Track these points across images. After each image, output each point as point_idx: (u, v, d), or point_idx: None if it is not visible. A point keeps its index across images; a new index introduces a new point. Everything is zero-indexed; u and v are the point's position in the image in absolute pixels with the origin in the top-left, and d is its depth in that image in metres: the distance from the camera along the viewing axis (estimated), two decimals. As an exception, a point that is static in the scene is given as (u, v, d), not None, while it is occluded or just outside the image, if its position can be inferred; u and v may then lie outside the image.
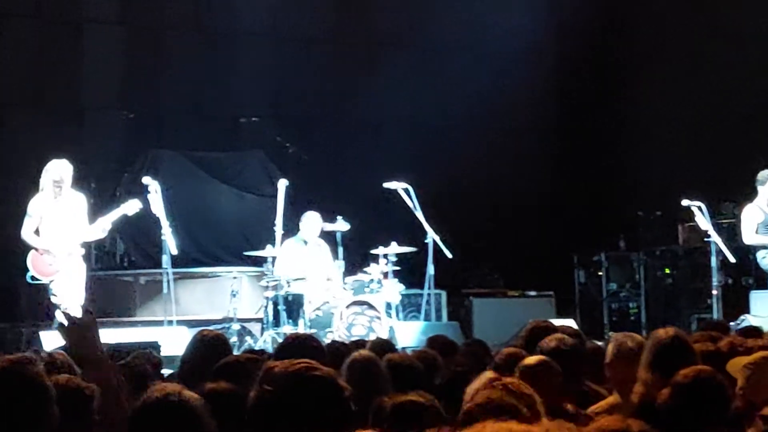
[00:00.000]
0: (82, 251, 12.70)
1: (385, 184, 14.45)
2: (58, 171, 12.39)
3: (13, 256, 13.50)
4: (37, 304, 13.76)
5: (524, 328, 7.82)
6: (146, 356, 7.42)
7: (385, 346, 7.70)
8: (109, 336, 11.75)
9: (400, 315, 14.60)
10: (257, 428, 3.48)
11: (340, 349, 7.20)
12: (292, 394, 3.50)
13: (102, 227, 12.76)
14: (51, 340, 10.97)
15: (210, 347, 6.74)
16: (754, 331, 8.75)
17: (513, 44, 18.92)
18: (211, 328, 13.57)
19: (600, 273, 17.78)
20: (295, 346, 6.32)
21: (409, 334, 13.58)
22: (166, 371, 8.23)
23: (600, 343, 9.08)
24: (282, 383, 3.51)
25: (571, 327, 8.96)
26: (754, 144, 15.42)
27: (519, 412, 4.27)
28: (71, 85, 17.70)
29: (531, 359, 5.92)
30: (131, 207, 12.93)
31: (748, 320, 12.83)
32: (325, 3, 18.71)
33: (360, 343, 8.18)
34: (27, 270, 12.44)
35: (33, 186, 12.74)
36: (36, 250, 12.40)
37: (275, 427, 3.46)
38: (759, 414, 4.80)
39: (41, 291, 12.75)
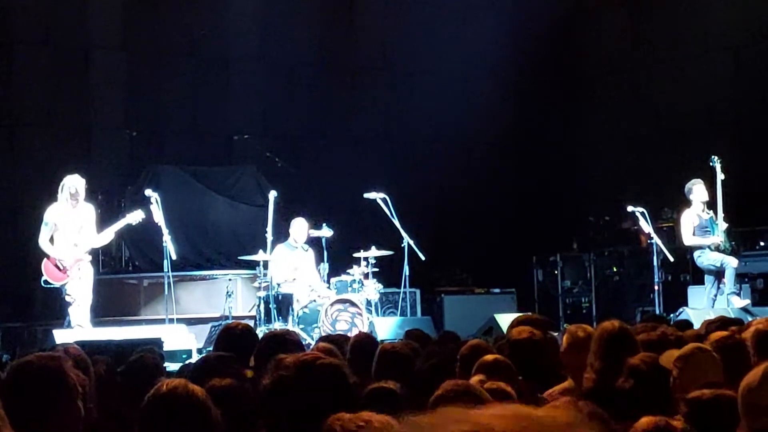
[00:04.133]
0: (90, 257, 12.78)
1: (365, 195, 14.49)
2: (74, 184, 12.45)
3: (28, 262, 13.54)
4: (50, 305, 13.79)
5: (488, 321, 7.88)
6: (150, 352, 7.44)
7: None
8: (115, 333, 11.90)
9: (379, 311, 14.63)
10: (270, 411, 3.45)
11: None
12: (302, 380, 3.48)
13: (108, 235, 12.83)
14: (64, 338, 11.05)
15: (239, 338, 6.66)
16: (686, 324, 8.93)
17: (475, 67, 19.05)
18: (208, 325, 13.89)
19: (556, 272, 17.87)
20: (275, 340, 6.48)
21: (387, 329, 13.57)
22: (171, 365, 8.28)
23: (556, 334, 9.23)
24: (293, 370, 3.49)
25: (542, 317, 9.04)
26: (689, 157, 15.56)
27: (482, 399, 4.23)
28: (79, 106, 17.49)
29: (489, 357, 5.89)
30: (135, 217, 12.97)
31: (687, 312, 12.99)
32: (310, 32, 18.66)
33: (344, 337, 8.22)
34: (41, 275, 12.49)
35: (46, 198, 12.78)
36: (49, 257, 12.44)
37: (287, 410, 3.43)
38: (682, 397, 4.84)
39: (54, 293, 12.81)
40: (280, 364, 3.58)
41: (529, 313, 8.82)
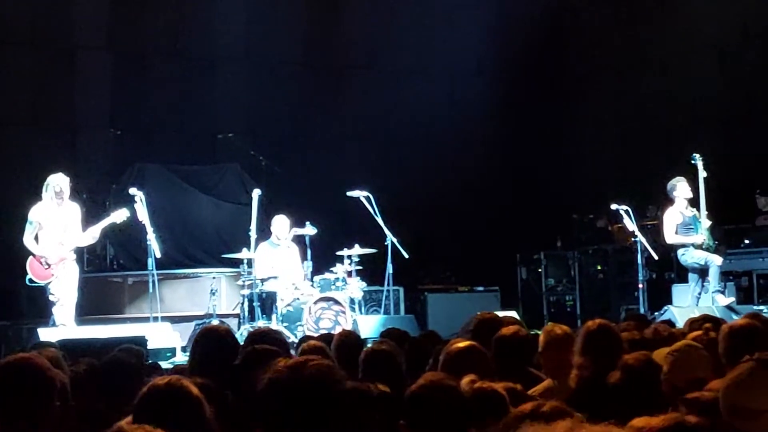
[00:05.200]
0: (75, 256, 12.69)
1: (349, 193, 14.42)
2: (59, 183, 12.42)
3: (13, 260, 13.43)
4: (36, 303, 13.71)
5: (472, 319, 7.82)
6: (132, 350, 7.36)
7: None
8: (100, 331, 11.81)
9: (363, 309, 14.61)
10: (267, 412, 3.46)
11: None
12: (295, 382, 3.47)
13: (93, 234, 12.77)
14: (48, 336, 10.97)
15: (216, 341, 6.63)
16: (668, 324, 8.89)
17: (461, 66, 19.06)
18: (192, 323, 13.80)
19: (540, 270, 17.85)
20: (261, 338, 6.40)
21: (371, 327, 13.53)
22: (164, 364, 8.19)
23: (539, 332, 9.16)
24: (287, 373, 3.48)
25: (513, 317, 8.99)
26: (674, 155, 15.52)
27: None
28: (64, 105, 17.51)
29: (459, 344, 5.86)
30: (119, 216, 12.94)
31: (671, 310, 12.95)
32: (295, 31, 18.66)
33: (327, 336, 8.16)
34: (26, 273, 12.42)
35: (31, 197, 12.70)
36: (34, 255, 12.39)
37: (282, 410, 3.44)
38: (681, 398, 4.80)
39: (39, 291, 12.72)
40: (275, 368, 3.57)
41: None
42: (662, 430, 3.31)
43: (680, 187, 13.77)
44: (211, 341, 6.08)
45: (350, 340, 7.25)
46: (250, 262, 14.00)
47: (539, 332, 7.78)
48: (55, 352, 6.10)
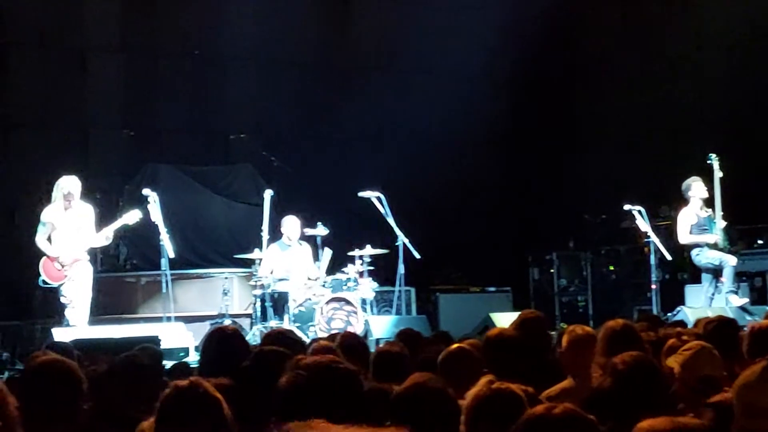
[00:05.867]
0: (88, 257, 12.74)
1: (360, 193, 14.41)
2: (68, 185, 12.42)
3: (27, 261, 13.49)
4: (49, 303, 13.76)
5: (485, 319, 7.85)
6: (148, 349, 7.38)
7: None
8: (114, 331, 11.86)
9: (374, 310, 14.60)
10: (287, 409, 3.44)
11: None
12: (321, 382, 3.49)
13: (106, 235, 12.77)
14: (62, 336, 11.02)
15: (225, 342, 6.64)
16: (681, 324, 8.94)
17: (470, 67, 19.02)
18: (205, 323, 13.85)
19: (552, 270, 17.85)
20: (276, 339, 6.42)
21: (383, 327, 13.57)
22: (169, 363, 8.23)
23: (552, 333, 9.17)
24: (313, 372, 3.50)
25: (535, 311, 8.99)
26: (685, 154, 15.51)
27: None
28: (76, 106, 17.48)
29: (453, 347, 5.93)
30: (132, 217, 12.97)
31: (684, 311, 12.94)
32: (306, 31, 18.65)
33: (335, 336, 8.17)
34: (39, 274, 12.46)
35: (45, 198, 12.75)
36: (47, 256, 12.43)
37: (302, 409, 3.42)
38: (707, 402, 4.79)
39: (53, 292, 12.77)
40: (298, 366, 3.57)
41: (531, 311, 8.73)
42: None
43: (695, 187, 13.75)
44: (219, 342, 6.13)
45: (354, 340, 7.28)
46: (262, 263, 14.04)
47: (552, 333, 7.81)
48: (72, 352, 6.14)
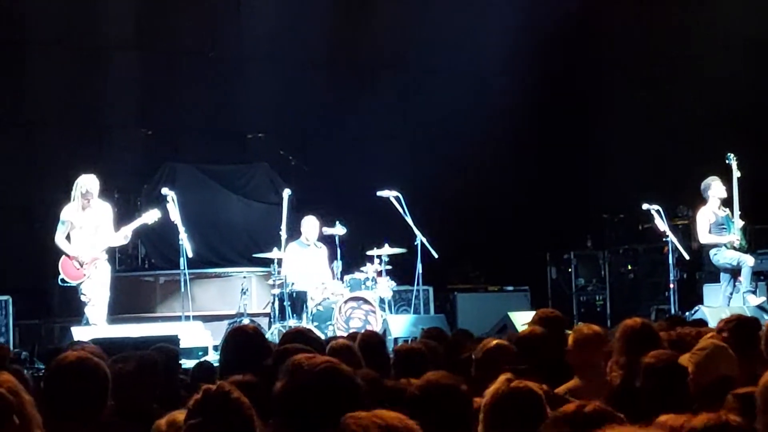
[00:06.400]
0: (106, 256, 12.79)
1: (378, 193, 14.42)
2: (86, 184, 12.45)
3: (45, 259, 13.56)
4: (68, 302, 13.82)
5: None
6: (165, 349, 7.41)
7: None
8: (133, 330, 11.92)
9: (393, 309, 14.60)
10: (283, 414, 3.46)
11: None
12: (318, 386, 3.49)
13: (124, 234, 12.81)
14: (81, 335, 11.07)
15: (245, 341, 6.65)
16: (700, 323, 8.94)
17: (490, 64, 19.02)
18: (223, 322, 13.91)
19: (570, 269, 17.83)
20: (295, 338, 6.46)
21: (401, 326, 13.58)
22: (188, 362, 8.26)
23: (570, 332, 9.18)
24: (309, 376, 3.50)
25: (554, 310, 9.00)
26: (704, 153, 15.48)
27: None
28: (94, 105, 17.53)
29: (489, 342, 5.93)
30: (151, 216, 13.02)
31: (702, 310, 12.93)
32: (323, 30, 18.65)
33: (354, 335, 8.20)
34: (59, 273, 12.52)
35: (63, 197, 12.79)
36: (66, 255, 12.48)
37: (299, 413, 3.44)
38: (733, 393, 4.77)
39: (72, 290, 12.82)
40: (295, 369, 3.59)
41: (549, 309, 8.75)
42: (704, 429, 3.33)
43: (715, 187, 13.73)
44: (240, 341, 6.16)
45: (373, 339, 7.31)
46: (280, 262, 14.05)
47: (569, 332, 7.81)
48: (96, 349, 6.17)
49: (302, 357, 3.66)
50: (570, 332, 6.95)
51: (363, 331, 10.14)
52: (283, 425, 3.44)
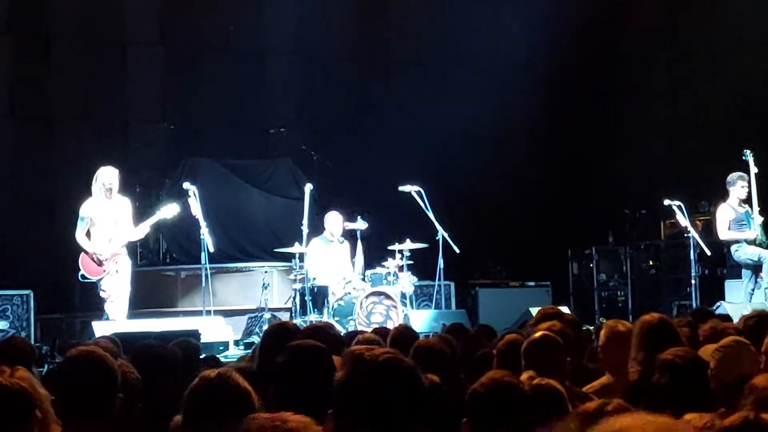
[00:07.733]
0: (126, 251, 12.76)
1: (400, 187, 14.45)
2: (107, 177, 12.40)
3: (66, 254, 13.61)
4: (89, 297, 13.87)
5: (536, 312, 7.83)
6: (186, 343, 7.43)
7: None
8: (154, 325, 11.95)
9: (414, 304, 14.62)
10: (342, 408, 3.38)
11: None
12: (381, 379, 3.39)
13: (144, 230, 12.79)
14: (102, 330, 11.11)
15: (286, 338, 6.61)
16: (724, 319, 8.90)
17: (510, 60, 19.03)
18: (244, 317, 13.93)
19: (591, 265, 17.80)
20: (314, 333, 6.45)
21: (422, 321, 13.59)
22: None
23: (591, 328, 9.18)
24: (372, 369, 3.41)
25: (571, 314, 8.98)
26: (726, 149, 15.44)
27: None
28: (117, 100, 17.63)
29: (536, 335, 5.83)
30: (170, 211, 12.97)
31: (724, 306, 12.90)
32: (345, 25, 18.69)
33: (382, 330, 8.17)
34: (79, 268, 12.55)
35: (84, 192, 12.83)
36: (86, 252, 12.47)
37: (360, 408, 3.36)
38: (751, 384, 4.75)
39: (93, 285, 12.87)
40: (356, 360, 3.56)
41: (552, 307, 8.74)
42: (734, 428, 3.33)
43: (739, 184, 13.72)
44: (279, 337, 6.14)
45: (407, 334, 7.23)
46: (302, 257, 14.02)
47: (590, 328, 7.81)
48: (110, 344, 6.18)
49: (362, 348, 3.65)
50: (591, 328, 6.93)
51: (398, 325, 10.11)
52: (343, 416, 3.37)
